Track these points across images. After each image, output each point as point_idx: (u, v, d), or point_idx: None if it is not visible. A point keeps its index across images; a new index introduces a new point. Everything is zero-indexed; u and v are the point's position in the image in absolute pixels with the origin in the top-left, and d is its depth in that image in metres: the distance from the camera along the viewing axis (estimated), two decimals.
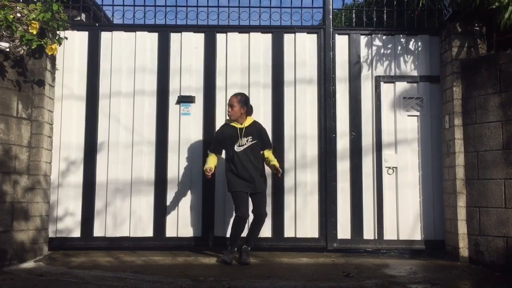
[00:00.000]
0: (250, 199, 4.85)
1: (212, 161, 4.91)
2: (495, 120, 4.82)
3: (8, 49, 4.91)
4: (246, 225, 4.89)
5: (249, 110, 4.97)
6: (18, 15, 4.86)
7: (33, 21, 4.75)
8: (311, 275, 4.37)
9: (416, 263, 5.03)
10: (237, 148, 4.82)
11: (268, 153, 4.98)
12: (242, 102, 4.88)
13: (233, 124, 4.90)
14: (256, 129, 4.91)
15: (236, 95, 4.95)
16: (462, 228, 5.02)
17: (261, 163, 4.94)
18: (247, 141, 4.83)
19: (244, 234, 4.91)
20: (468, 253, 4.99)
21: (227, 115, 5.02)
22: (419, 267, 4.81)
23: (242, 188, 4.77)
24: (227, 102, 4.97)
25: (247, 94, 5.28)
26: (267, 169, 5.05)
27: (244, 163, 4.78)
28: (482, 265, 4.80)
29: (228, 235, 5.22)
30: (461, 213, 5.03)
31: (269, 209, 5.36)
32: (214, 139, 5.07)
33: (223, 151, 5.01)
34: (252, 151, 4.83)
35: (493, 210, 4.78)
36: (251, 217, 4.87)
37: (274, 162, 4.93)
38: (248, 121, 4.92)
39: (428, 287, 4.02)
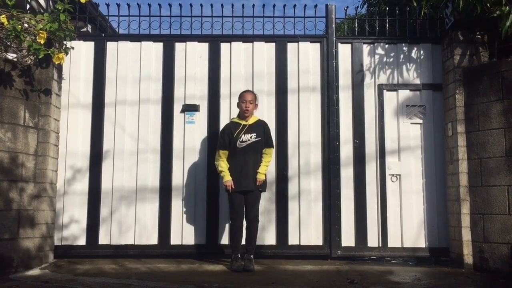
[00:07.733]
0: (244, 199, 4.91)
1: (226, 169, 4.90)
2: (497, 127, 4.85)
3: (15, 59, 4.98)
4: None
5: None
6: (26, 25, 4.94)
7: (40, 31, 4.81)
8: (315, 282, 4.39)
9: (420, 270, 5.02)
10: (239, 144, 4.90)
11: (266, 152, 4.97)
12: (256, 98, 5.08)
13: (237, 120, 5.02)
14: (262, 127, 5.01)
15: (251, 91, 5.16)
16: (466, 235, 5.02)
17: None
18: (250, 137, 4.91)
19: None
20: (473, 260, 4.98)
21: (242, 110, 4.99)
22: (423, 274, 4.81)
23: (238, 188, 4.84)
24: (243, 98, 4.99)
25: None
26: (271, 175, 5.05)
27: (244, 159, 4.86)
28: (487, 272, 4.80)
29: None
30: (465, 220, 5.03)
31: (272, 216, 5.44)
32: (220, 135, 5.09)
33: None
34: (255, 148, 4.92)
35: (497, 217, 4.79)
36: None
37: (261, 167, 4.88)
38: (253, 119, 5.03)
39: None
